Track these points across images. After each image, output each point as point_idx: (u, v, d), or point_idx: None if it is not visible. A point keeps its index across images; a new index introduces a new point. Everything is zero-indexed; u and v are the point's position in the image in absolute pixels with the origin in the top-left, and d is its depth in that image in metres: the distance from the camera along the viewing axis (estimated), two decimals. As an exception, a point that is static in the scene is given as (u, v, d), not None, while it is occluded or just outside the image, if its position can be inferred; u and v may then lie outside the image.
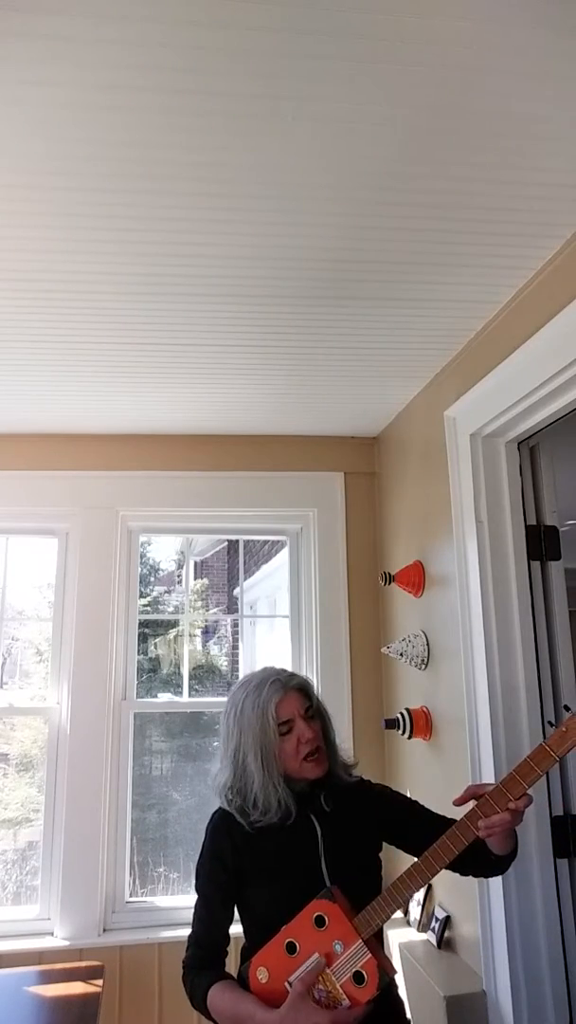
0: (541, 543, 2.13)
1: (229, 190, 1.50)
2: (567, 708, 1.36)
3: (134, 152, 1.38)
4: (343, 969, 1.32)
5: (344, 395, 2.68)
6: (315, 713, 1.55)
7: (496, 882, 1.94)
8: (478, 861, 1.48)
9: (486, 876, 1.58)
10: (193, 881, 1.56)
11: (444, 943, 2.24)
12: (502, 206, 1.57)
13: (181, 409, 2.78)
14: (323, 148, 1.39)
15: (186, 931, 1.54)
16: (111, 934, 2.68)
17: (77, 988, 2.25)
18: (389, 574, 2.78)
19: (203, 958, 1.49)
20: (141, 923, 2.71)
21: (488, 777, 2.01)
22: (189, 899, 1.54)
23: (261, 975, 1.38)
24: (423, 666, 2.52)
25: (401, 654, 2.60)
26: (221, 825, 1.53)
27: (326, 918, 1.35)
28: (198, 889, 1.54)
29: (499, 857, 1.48)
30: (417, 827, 1.57)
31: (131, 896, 2.81)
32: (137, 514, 3.06)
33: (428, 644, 2.50)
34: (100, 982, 2.29)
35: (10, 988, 2.24)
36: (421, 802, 1.65)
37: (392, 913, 1.35)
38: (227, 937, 1.51)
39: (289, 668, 1.66)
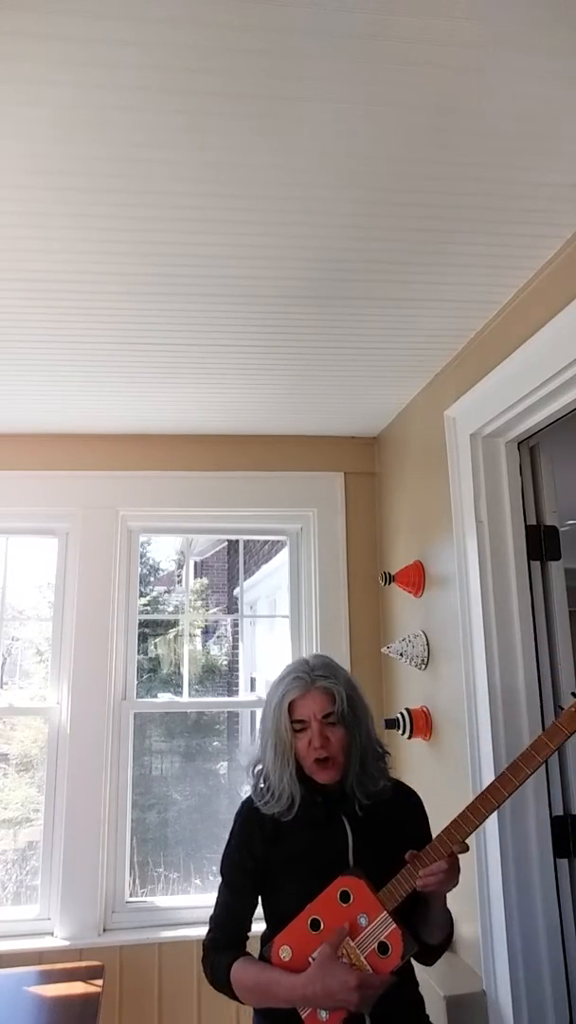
0: (541, 543, 2.13)
1: (229, 191, 1.50)
2: (574, 694, 1.38)
3: (139, 153, 1.38)
4: (368, 940, 1.34)
5: (344, 395, 2.68)
6: (338, 719, 1.49)
7: (496, 882, 1.94)
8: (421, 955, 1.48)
9: (419, 962, 1.56)
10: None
11: (444, 943, 2.24)
12: (502, 206, 1.57)
13: (181, 409, 2.78)
14: (323, 148, 1.39)
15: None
16: (111, 934, 2.67)
17: (77, 988, 2.25)
18: (389, 574, 2.78)
19: (224, 940, 1.49)
20: (141, 923, 2.71)
21: (488, 777, 2.01)
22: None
23: (284, 953, 1.39)
24: (423, 666, 2.52)
25: (401, 654, 2.60)
26: (252, 814, 1.53)
27: (351, 893, 1.37)
28: (223, 874, 1.54)
29: (429, 947, 1.47)
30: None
31: (131, 896, 2.81)
32: (137, 514, 3.06)
33: (428, 644, 2.50)
34: (100, 982, 2.29)
35: (10, 988, 2.24)
36: (421, 803, 1.64)
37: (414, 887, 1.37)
38: (248, 924, 1.52)
39: (335, 661, 1.60)
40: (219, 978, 1.43)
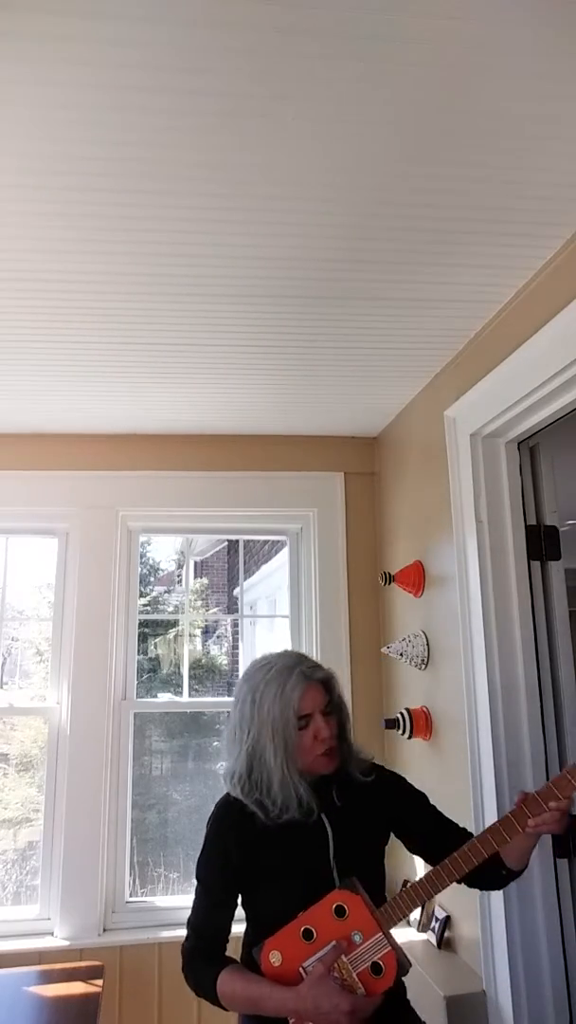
0: (541, 543, 2.13)
1: (230, 190, 1.50)
2: None
3: (136, 152, 1.38)
4: (361, 959, 1.32)
5: (344, 395, 2.68)
6: (334, 708, 1.49)
7: (496, 882, 1.94)
8: (488, 875, 1.47)
9: (487, 889, 1.57)
10: (194, 876, 1.53)
11: (444, 943, 2.24)
12: (502, 206, 1.57)
13: (181, 409, 2.78)
14: (323, 148, 1.39)
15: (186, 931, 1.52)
16: (111, 934, 2.68)
17: (77, 988, 2.24)
18: (389, 574, 2.78)
19: (205, 949, 1.45)
20: (141, 923, 2.71)
21: (488, 777, 2.01)
22: (189, 899, 1.53)
23: (274, 958, 1.37)
24: (423, 666, 2.52)
25: (401, 654, 2.60)
26: (227, 817, 1.48)
27: (346, 908, 1.35)
28: (199, 878, 1.49)
29: (509, 872, 1.47)
30: (423, 826, 1.56)
31: (131, 896, 2.81)
32: (137, 514, 3.06)
33: (428, 644, 2.50)
34: (100, 982, 2.29)
35: (10, 988, 2.24)
36: (396, 775, 1.63)
37: (416, 908, 1.36)
38: (228, 928, 1.48)
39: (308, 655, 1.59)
40: (205, 989, 1.39)
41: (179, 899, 2.81)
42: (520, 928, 1.91)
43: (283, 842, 1.45)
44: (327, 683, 1.50)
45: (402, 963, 1.32)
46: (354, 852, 1.46)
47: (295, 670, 1.47)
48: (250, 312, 2.01)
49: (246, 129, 1.33)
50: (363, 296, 1.95)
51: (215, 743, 3.15)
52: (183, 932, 1.50)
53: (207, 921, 1.47)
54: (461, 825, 1.59)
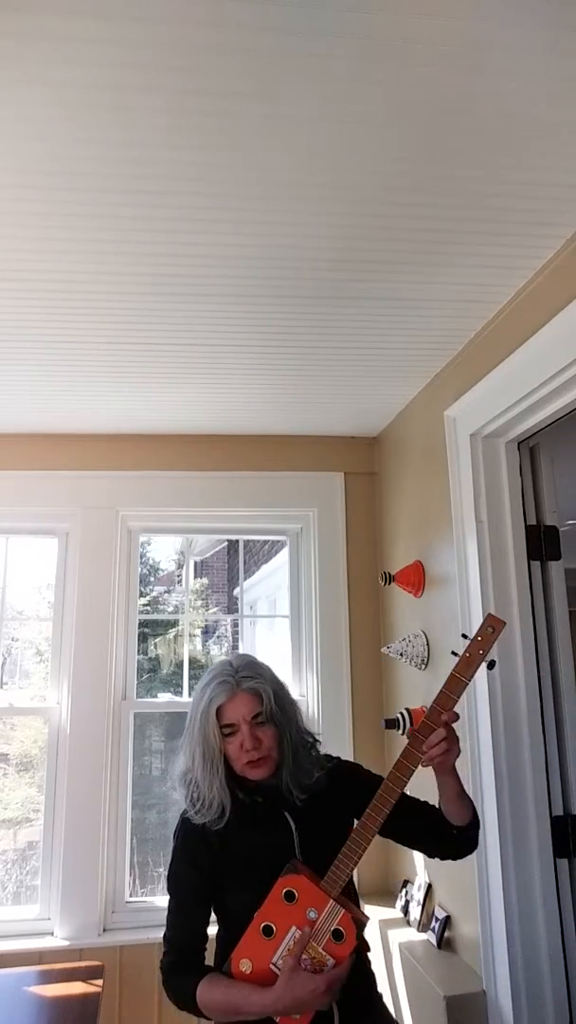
0: (541, 543, 2.13)
1: (229, 190, 1.50)
2: (464, 636, 1.46)
3: (134, 152, 1.38)
4: (322, 932, 1.36)
5: (344, 395, 2.68)
6: (267, 719, 1.47)
7: (496, 882, 1.94)
8: (441, 837, 1.50)
9: (456, 855, 1.56)
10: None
11: (444, 943, 2.24)
12: (502, 206, 1.57)
13: (181, 409, 2.78)
14: (323, 148, 1.39)
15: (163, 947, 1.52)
16: (111, 934, 2.68)
17: (77, 988, 2.24)
18: (389, 574, 2.78)
19: (181, 961, 1.47)
20: (141, 923, 2.71)
21: (488, 777, 2.01)
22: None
23: (245, 966, 1.40)
24: (423, 666, 2.52)
25: (401, 654, 2.60)
26: (194, 829, 1.50)
27: (295, 892, 1.39)
28: (171, 893, 1.51)
29: (459, 829, 1.49)
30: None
31: (131, 896, 2.81)
32: (137, 514, 3.06)
33: (428, 644, 2.50)
34: (100, 982, 2.28)
35: (10, 988, 2.24)
36: (419, 799, 1.63)
37: (355, 864, 1.40)
38: (205, 937, 1.50)
39: (259, 659, 1.58)
40: (185, 1001, 1.41)
41: (179, 899, 2.80)
42: (520, 928, 1.91)
43: (250, 844, 1.47)
44: (257, 692, 1.47)
45: (359, 921, 1.37)
46: (320, 846, 1.46)
47: (219, 679, 1.48)
48: (249, 312, 2.01)
49: (242, 129, 1.33)
50: (363, 296, 1.94)
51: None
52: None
53: (181, 932, 1.49)
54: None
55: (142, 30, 1.12)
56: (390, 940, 2.41)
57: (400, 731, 2.56)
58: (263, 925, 1.39)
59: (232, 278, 1.83)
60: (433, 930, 2.29)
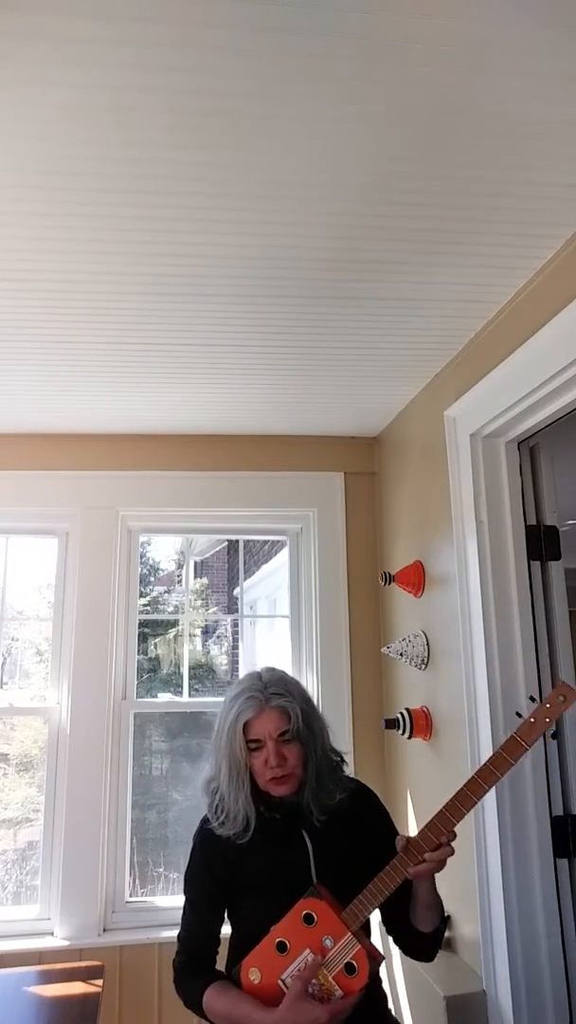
0: (541, 543, 2.13)
1: (229, 190, 1.50)
2: (532, 699, 1.39)
3: (134, 152, 1.37)
4: (335, 962, 1.36)
5: (344, 395, 2.68)
6: (293, 737, 1.47)
7: (496, 882, 1.94)
8: (409, 939, 1.51)
9: (414, 956, 1.56)
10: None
11: (444, 943, 2.24)
12: (502, 206, 1.57)
13: (181, 409, 2.78)
14: (322, 148, 1.39)
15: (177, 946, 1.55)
16: (111, 934, 2.68)
17: (77, 988, 2.24)
18: (389, 574, 2.78)
19: (192, 963, 1.50)
20: (141, 923, 2.71)
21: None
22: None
23: (253, 976, 1.41)
24: (423, 666, 2.52)
25: (401, 654, 2.60)
26: (211, 835, 1.51)
27: (315, 915, 1.39)
28: (187, 895, 1.54)
29: (422, 936, 1.48)
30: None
31: (131, 896, 2.81)
32: (137, 514, 3.06)
33: (428, 644, 2.50)
34: (100, 982, 2.29)
35: (10, 988, 2.24)
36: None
37: (379, 905, 1.39)
38: (217, 939, 1.53)
39: (289, 672, 1.59)
40: (193, 1003, 1.45)
41: (179, 899, 2.77)
42: (520, 928, 1.91)
43: (266, 859, 1.48)
44: (286, 711, 1.46)
45: (373, 957, 1.36)
46: (334, 868, 1.47)
47: (247, 694, 1.47)
48: (250, 312, 2.01)
49: (242, 129, 1.33)
50: (363, 296, 1.94)
51: (215, 743, 3.14)
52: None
53: (194, 934, 1.52)
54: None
55: (142, 30, 1.11)
56: (390, 940, 2.40)
57: (400, 731, 2.56)
58: (278, 940, 1.40)
59: (232, 278, 1.83)
60: (433, 930, 2.29)
